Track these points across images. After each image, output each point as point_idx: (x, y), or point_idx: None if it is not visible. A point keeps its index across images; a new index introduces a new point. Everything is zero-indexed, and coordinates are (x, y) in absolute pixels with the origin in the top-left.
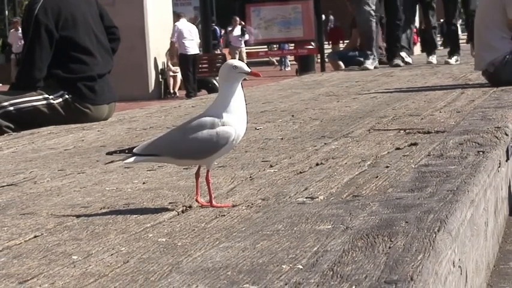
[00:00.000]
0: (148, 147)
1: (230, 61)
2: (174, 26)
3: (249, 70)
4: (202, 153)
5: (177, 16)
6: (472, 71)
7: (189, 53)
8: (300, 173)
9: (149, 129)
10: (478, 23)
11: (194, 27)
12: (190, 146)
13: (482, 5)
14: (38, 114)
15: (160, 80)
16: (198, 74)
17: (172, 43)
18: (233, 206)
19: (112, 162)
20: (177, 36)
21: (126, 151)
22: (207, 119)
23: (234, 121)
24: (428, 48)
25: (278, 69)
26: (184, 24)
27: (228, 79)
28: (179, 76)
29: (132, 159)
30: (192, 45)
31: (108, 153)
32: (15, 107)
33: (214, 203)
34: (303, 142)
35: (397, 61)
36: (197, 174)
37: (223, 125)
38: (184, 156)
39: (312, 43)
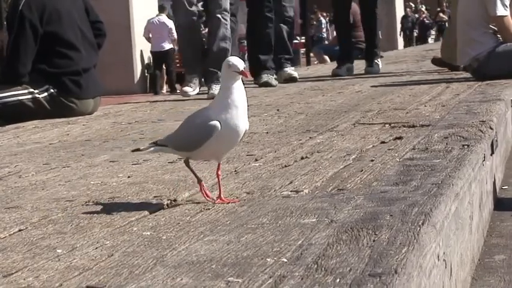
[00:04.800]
0: (165, 138)
1: (228, 58)
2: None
3: (241, 69)
4: (190, 146)
5: (161, 8)
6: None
7: (154, 51)
8: (285, 166)
9: (134, 124)
10: (459, 21)
11: (169, 22)
12: (182, 138)
13: (462, 4)
14: (23, 108)
15: (146, 74)
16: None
17: (147, 39)
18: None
19: (138, 150)
20: (148, 33)
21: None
22: (202, 113)
23: (227, 116)
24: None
25: None
26: (156, 20)
27: (225, 76)
28: (164, 71)
29: (151, 149)
30: (159, 42)
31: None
32: (0, 101)
33: (222, 197)
34: (288, 136)
35: (266, 77)
36: (190, 168)
37: (215, 120)
38: (178, 147)
39: (297, 37)
